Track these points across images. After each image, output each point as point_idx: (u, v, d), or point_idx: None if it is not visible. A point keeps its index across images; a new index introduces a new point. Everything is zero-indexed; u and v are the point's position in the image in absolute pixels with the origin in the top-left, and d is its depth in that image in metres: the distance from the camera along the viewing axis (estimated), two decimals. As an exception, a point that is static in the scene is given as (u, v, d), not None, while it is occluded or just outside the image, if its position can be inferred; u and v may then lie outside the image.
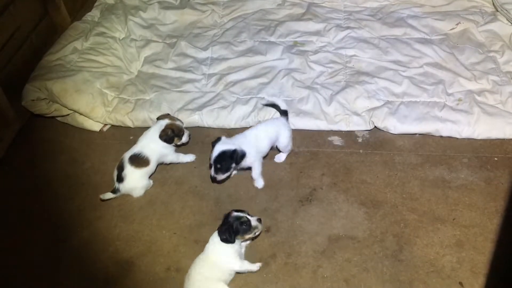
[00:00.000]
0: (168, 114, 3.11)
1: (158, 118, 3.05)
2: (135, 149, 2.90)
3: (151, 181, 2.97)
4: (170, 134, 2.94)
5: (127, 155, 2.89)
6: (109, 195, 2.84)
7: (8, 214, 2.90)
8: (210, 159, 2.75)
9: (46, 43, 3.69)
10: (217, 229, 2.45)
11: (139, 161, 2.87)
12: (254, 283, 2.49)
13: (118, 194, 2.87)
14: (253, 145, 2.82)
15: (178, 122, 3.02)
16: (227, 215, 2.46)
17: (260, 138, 2.88)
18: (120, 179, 2.84)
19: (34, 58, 3.52)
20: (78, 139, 3.33)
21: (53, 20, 3.86)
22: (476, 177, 2.93)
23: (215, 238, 2.45)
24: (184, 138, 3.02)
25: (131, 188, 2.88)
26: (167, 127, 2.95)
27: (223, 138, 2.79)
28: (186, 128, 3.09)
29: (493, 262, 2.50)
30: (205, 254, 2.45)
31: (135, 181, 2.88)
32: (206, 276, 2.38)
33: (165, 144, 2.94)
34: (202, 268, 2.40)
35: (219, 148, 2.72)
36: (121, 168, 2.85)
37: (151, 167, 2.92)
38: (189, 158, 3.10)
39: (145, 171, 2.90)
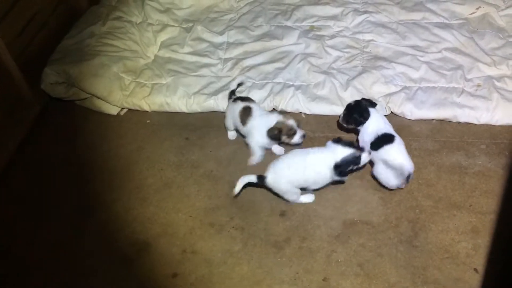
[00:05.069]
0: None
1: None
2: None
3: None
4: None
5: None
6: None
7: (28, 195, 2.96)
8: None
9: (65, 27, 3.71)
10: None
11: None
12: (269, 266, 2.51)
13: None
14: None
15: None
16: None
17: None
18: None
19: (53, 42, 3.56)
20: (96, 122, 3.36)
21: (71, 4, 3.88)
22: (494, 163, 2.90)
23: None
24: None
25: None
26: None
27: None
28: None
29: (509, 249, 2.48)
30: None
31: None
32: None
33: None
34: None
35: None
36: None
37: None
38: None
39: None
